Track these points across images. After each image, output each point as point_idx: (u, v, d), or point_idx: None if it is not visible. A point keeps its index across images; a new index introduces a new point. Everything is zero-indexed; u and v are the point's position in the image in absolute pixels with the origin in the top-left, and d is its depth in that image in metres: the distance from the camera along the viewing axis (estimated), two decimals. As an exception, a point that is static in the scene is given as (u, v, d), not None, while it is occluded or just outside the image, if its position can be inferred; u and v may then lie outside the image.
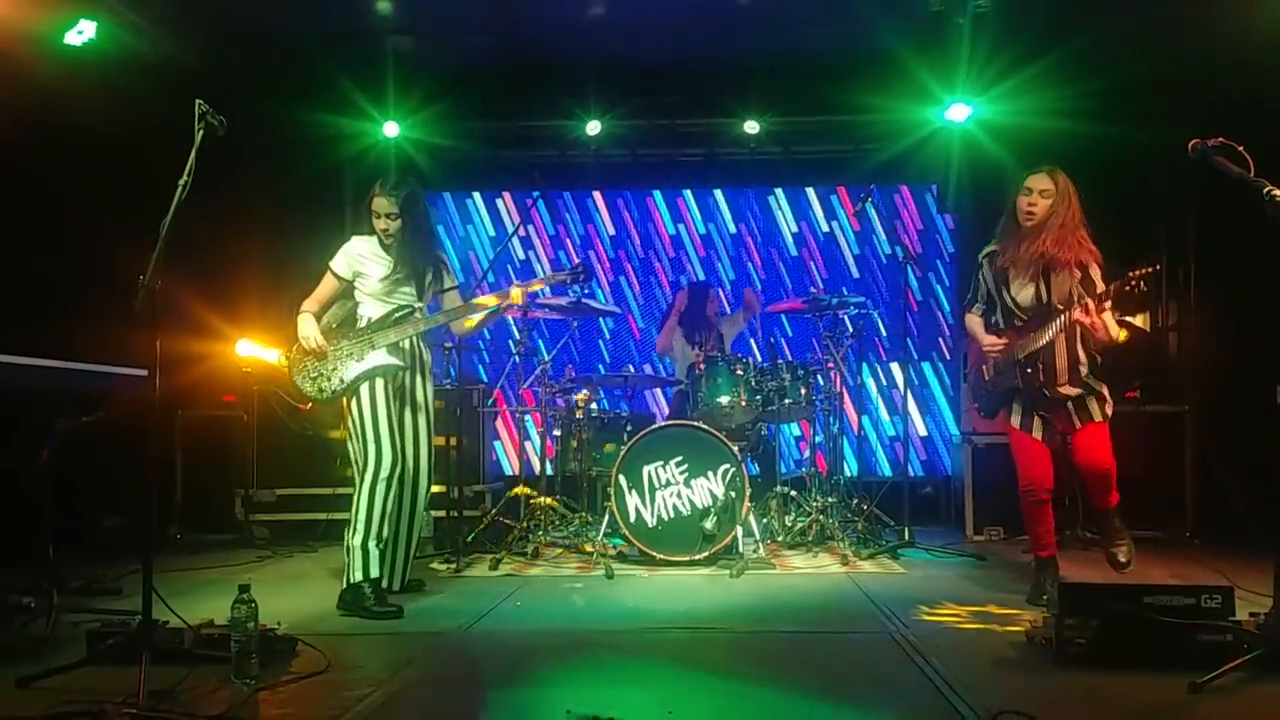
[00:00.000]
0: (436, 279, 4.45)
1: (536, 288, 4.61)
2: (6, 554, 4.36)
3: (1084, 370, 4.07)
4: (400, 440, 4.25)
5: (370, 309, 4.31)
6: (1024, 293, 4.12)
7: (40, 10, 5.05)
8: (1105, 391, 4.11)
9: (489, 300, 4.47)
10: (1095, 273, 4.03)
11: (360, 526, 4.10)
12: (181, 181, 3.21)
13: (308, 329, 4.22)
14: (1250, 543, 4.00)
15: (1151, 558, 4.14)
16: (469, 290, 4.65)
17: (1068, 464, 4.30)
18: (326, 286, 4.34)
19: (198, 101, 3.30)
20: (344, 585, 4.10)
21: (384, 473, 4.12)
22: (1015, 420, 4.21)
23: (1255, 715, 2.65)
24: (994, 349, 4.21)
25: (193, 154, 3.25)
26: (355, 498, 4.14)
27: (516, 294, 4.39)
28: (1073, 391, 4.09)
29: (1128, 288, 3.76)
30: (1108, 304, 3.87)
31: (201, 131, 3.29)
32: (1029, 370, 4.08)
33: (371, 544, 4.09)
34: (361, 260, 4.31)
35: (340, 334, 4.27)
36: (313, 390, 4.21)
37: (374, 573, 4.08)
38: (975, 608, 4.07)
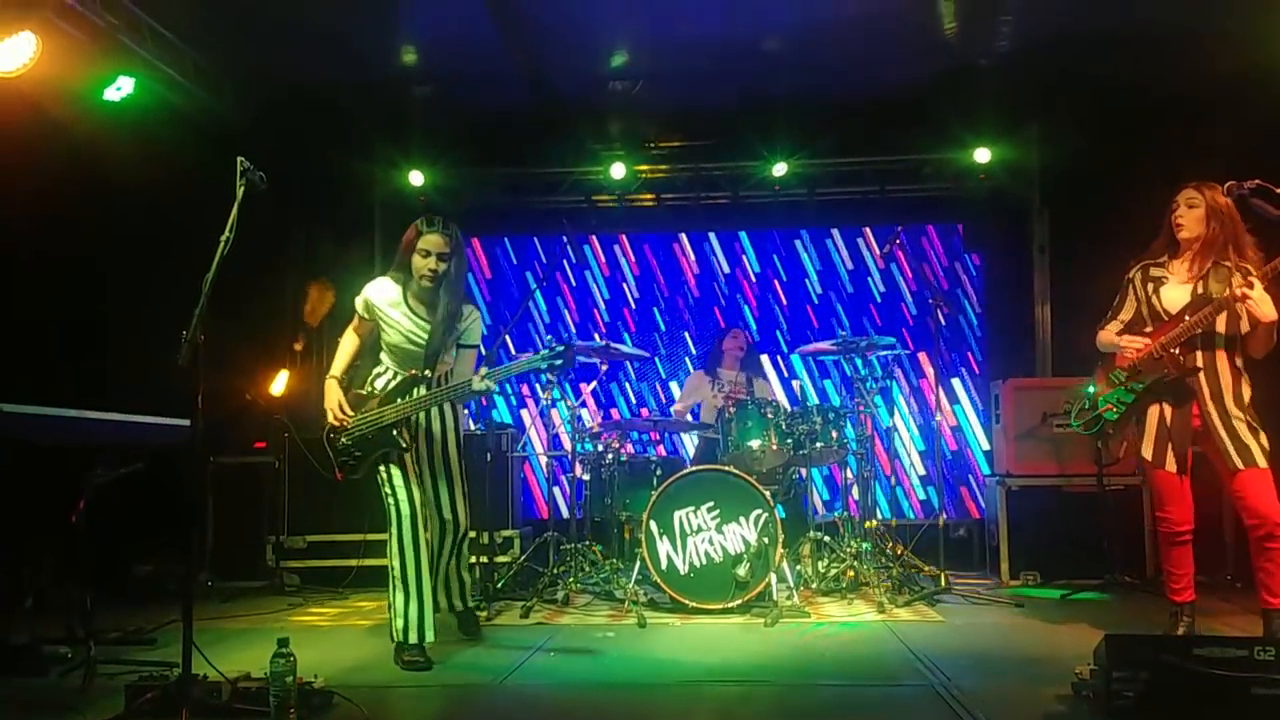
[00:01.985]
0: (456, 329, 4.24)
1: (502, 376, 4.12)
2: (43, 604, 4.39)
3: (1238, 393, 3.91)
4: (433, 495, 4.24)
5: (386, 365, 4.22)
6: (1178, 296, 4.00)
7: (80, 68, 5.14)
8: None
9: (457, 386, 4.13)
10: (1256, 274, 3.84)
11: (392, 579, 4.05)
12: (224, 237, 3.25)
13: (331, 400, 4.17)
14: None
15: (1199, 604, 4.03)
16: (488, 343, 4.54)
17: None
18: (355, 322, 4.31)
19: (239, 159, 3.35)
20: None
21: (405, 523, 4.02)
22: (1149, 453, 4.02)
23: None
24: (1133, 346, 4.06)
25: (234, 210, 3.29)
26: (388, 553, 4.08)
27: (479, 384, 3.96)
28: (1227, 380, 3.89)
29: None
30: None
31: (242, 188, 3.34)
32: (1174, 351, 3.92)
33: (412, 603, 4.02)
34: (382, 308, 4.16)
35: (365, 399, 4.16)
36: (338, 464, 4.18)
37: (412, 637, 4.00)
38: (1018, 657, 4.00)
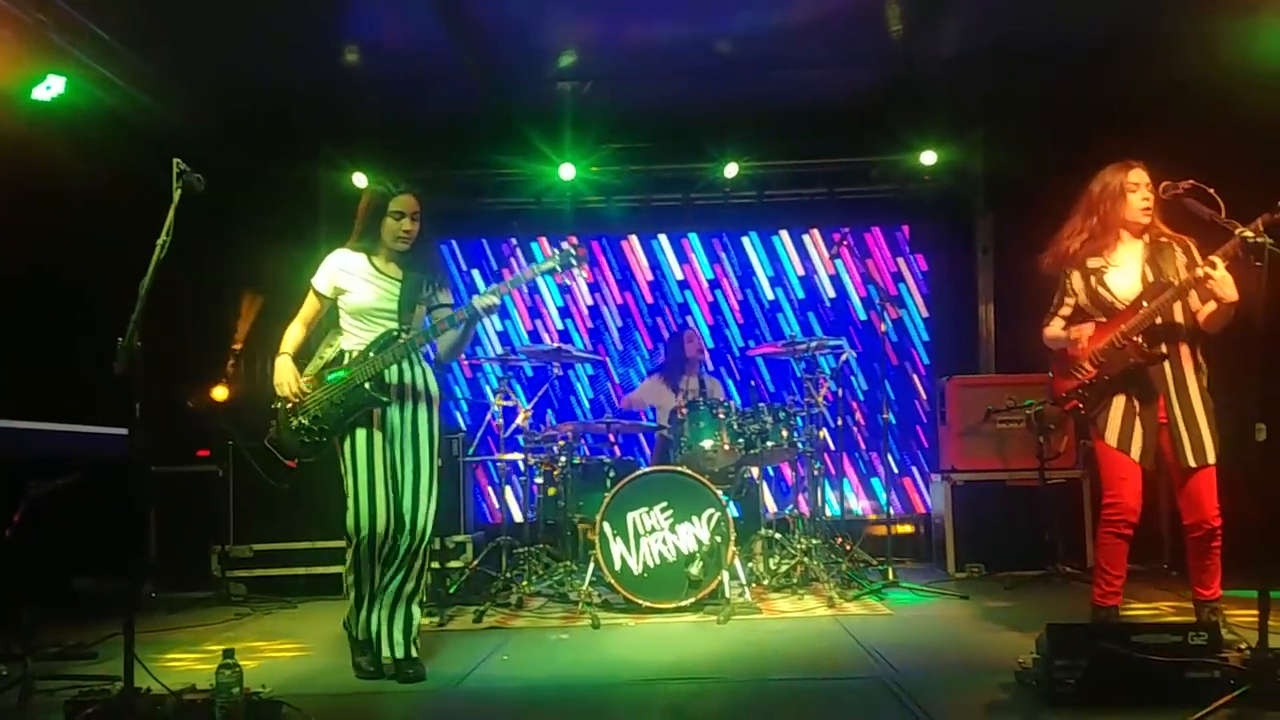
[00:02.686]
0: (432, 292, 4.07)
1: (510, 288, 4.03)
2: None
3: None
4: (386, 492, 3.83)
5: (353, 339, 3.92)
6: (1127, 282, 3.89)
7: (6, 65, 5.01)
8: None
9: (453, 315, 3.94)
10: (1194, 250, 3.80)
11: (347, 573, 3.89)
12: (160, 241, 3.19)
13: (283, 374, 3.91)
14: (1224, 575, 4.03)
15: (1134, 591, 4.12)
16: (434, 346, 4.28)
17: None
18: (309, 308, 4.03)
19: (176, 161, 3.29)
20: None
21: (363, 534, 3.78)
22: (1112, 439, 3.88)
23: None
24: (1084, 334, 3.95)
25: (171, 213, 3.23)
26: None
27: (483, 300, 3.87)
28: (1190, 371, 3.81)
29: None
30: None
31: (179, 190, 3.28)
32: (1137, 339, 3.78)
33: (360, 613, 3.89)
34: (348, 277, 3.92)
35: (323, 377, 3.91)
36: (295, 445, 3.90)
37: (360, 634, 3.89)
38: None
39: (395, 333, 3.90)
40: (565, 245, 3.99)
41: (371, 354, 3.86)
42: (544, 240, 7.95)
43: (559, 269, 3.99)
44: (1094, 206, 3.95)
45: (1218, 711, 2.84)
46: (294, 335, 4.03)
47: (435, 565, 5.71)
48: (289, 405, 3.91)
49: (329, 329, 4.07)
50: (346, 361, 3.89)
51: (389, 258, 3.99)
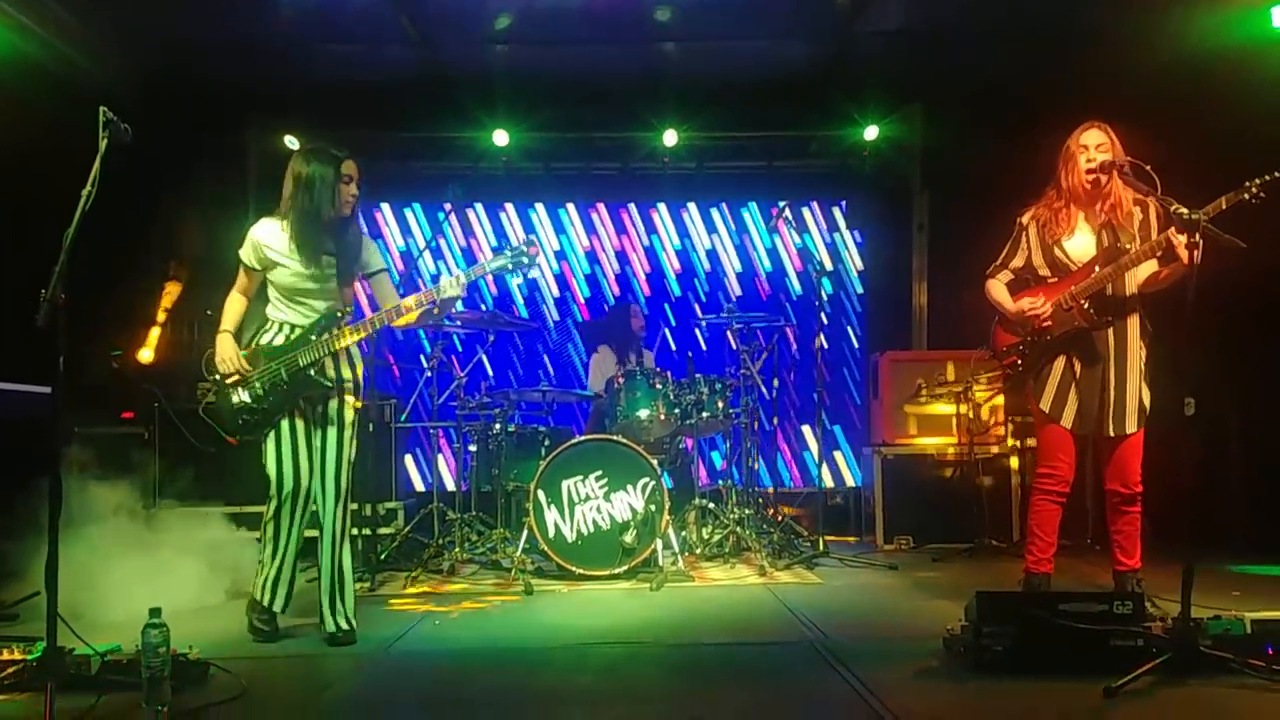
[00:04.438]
0: (360, 259, 3.96)
1: (473, 277, 3.99)
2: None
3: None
4: (309, 464, 3.89)
5: (282, 312, 3.87)
6: (1081, 244, 3.89)
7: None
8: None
9: (410, 303, 3.89)
10: (1154, 211, 3.82)
11: (261, 544, 3.91)
12: (85, 191, 3.07)
13: (225, 351, 3.84)
14: (1146, 548, 4.16)
15: (1058, 565, 4.22)
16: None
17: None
18: (241, 278, 3.94)
19: (102, 109, 3.17)
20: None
21: (284, 498, 3.84)
22: (1046, 405, 3.93)
23: (1166, 717, 2.75)
24: (1035, 310, 3.91)
25: (96, 163, 3.12)
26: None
27: (451, 289, 3.86)
28: (1134, 340, 3.83)
29: (1247, 196, 3.35)
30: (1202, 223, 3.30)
31: (106, 140, 3.17)
32: (1083, 303, 3.79)
33: (270, 566, 3.89)
34: (271, 252, 3.82)
35: (261, 354, 3.86)
36: (237, 424, 3.86)
37: (264, 598, 3.87)
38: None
39: (336, 312, 3.87)
40: (517, 244, 3.92)
41: (313, 337, 3.83)
42: (481, 206, 7.86)
43: (510, 267, 3.95)
44: (1060, 171, 3.95)
45: (1141, 678, 2.93)
46: (234, 310, 3.95)
47: (366, 531, 5.64)
48: (230, 382, 3.85)
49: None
50: (285, 341, 3.85)
51: (308, 224, 3.81)
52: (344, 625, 3.84)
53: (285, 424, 3.86)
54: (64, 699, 2.75)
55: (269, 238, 3.83)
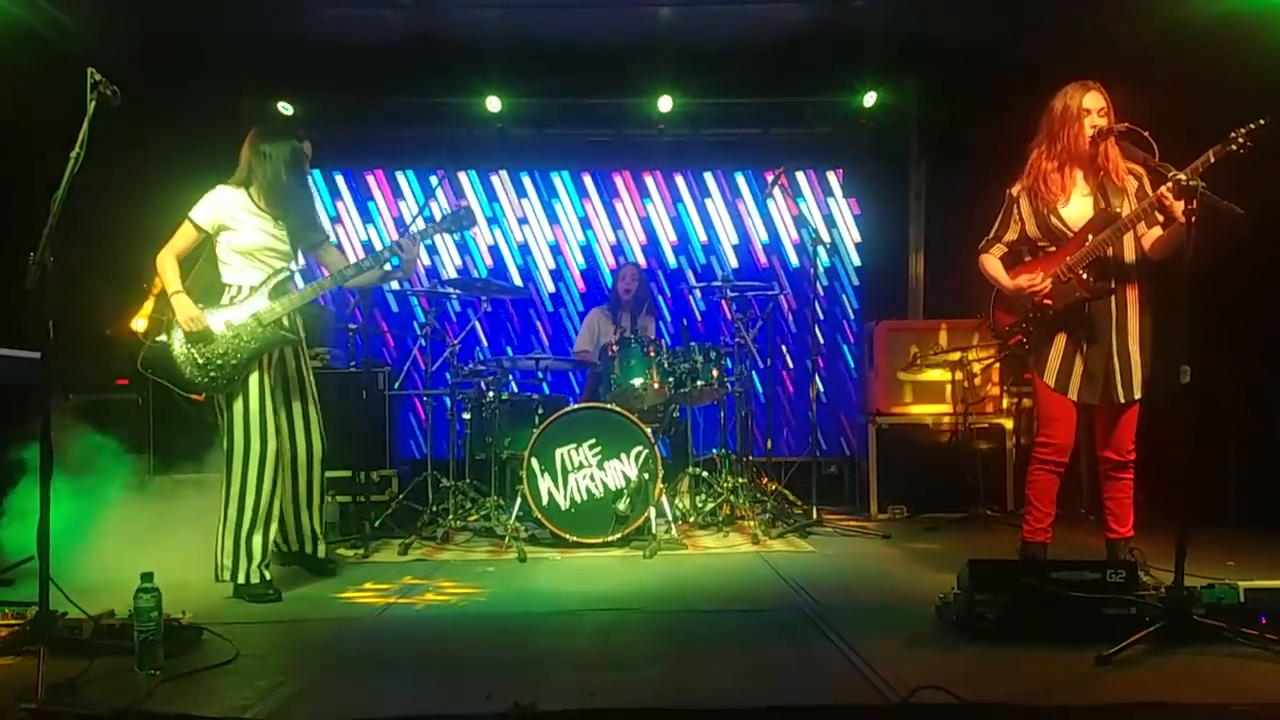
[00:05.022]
0: (312, 228, 4.31)
1: (421, 241, 4.32)
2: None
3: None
4: (287, 425, 4.17)
5: (241, 275, 4.08)
6: (1078, 210, 3.83)
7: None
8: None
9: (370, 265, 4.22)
10: (1147, 180, 3.78)
11: (236, 517, 3.97)
12: (73, 154, 3.05)
13: (187, 310, 3.96)
14: (1140, 518, 4.16)
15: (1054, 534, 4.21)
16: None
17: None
18: (185, 240, 4.06)
19: (90, 71, 3.15)
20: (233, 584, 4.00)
21: (269, 458, 4.01)
22: (1051, 379, 3.89)
23: (1158, 685, 2.75)
24: (1034, 287, 3.86)
25: (85, 125, 3.09)
26: (229, 488, 3.98)
27: (407, 251, 4.21)
28: (1134, 308, 3.81)
29: (1234, 147, 3.30)
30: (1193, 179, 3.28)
31: (94, 102, 3.14)
32: (1081, 273, 3.76)
33: (257, 538, 3.98)
34: (232, 215, 4.05)
35: (217, 310, 4.03)
36: (203, 380, 3.97)
37: (253, 577, 3.98)
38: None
39: (289, 273, 4.17)
40: (459, 205, 4.30)
41: (274, 283, 4.10)
42: (474, 173, 7.80)
43: (452, 229, 4.33)
44: (1056, 134, 3.86)
45: (1134, 646, 2.94)
46: (176, 271, 4.08)
47: (360, 499, 5.65)
48: (192, 338, 3.99)
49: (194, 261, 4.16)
50: (238, 295, 4.07)
51: (267, 195, 4.11)
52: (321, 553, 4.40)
53: (254, 380, 4.02)
54: (56, 663, 2.76)
55: (229, 204, 4.06)
